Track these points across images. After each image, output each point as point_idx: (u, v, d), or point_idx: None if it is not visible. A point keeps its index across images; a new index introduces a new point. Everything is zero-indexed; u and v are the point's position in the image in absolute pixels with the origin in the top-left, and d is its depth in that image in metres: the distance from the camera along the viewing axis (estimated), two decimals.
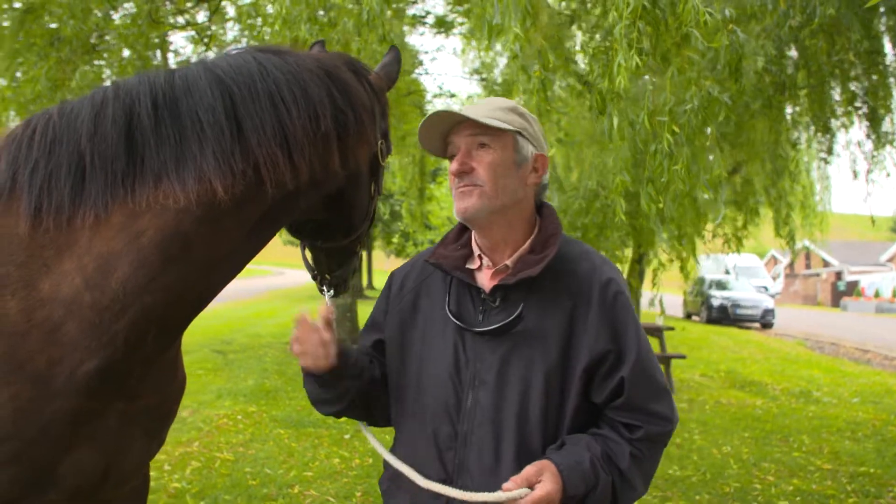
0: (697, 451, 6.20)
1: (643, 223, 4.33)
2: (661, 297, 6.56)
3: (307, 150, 1.69)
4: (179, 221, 1.58)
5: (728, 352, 14.01)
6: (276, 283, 38.51)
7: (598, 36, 3.48)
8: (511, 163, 1.58)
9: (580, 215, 7.09)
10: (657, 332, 9.48)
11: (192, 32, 7.84)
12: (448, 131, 1.62)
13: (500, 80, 9.61)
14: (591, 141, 7.83)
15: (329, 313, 1.64)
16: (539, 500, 1.39)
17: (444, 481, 1.55)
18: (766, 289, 28.69)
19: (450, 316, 1.62)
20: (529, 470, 1.42)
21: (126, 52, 5.90)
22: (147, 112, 1.60)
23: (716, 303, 21.98)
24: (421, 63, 16.04)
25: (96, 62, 6.06)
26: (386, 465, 1.71)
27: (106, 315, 1.58)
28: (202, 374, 9.13)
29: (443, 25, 13.78)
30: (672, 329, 10.02)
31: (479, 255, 1.67)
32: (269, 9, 5.56)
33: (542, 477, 1.41)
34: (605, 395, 1.54)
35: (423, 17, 15.29)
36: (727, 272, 26.97)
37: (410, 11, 14.19)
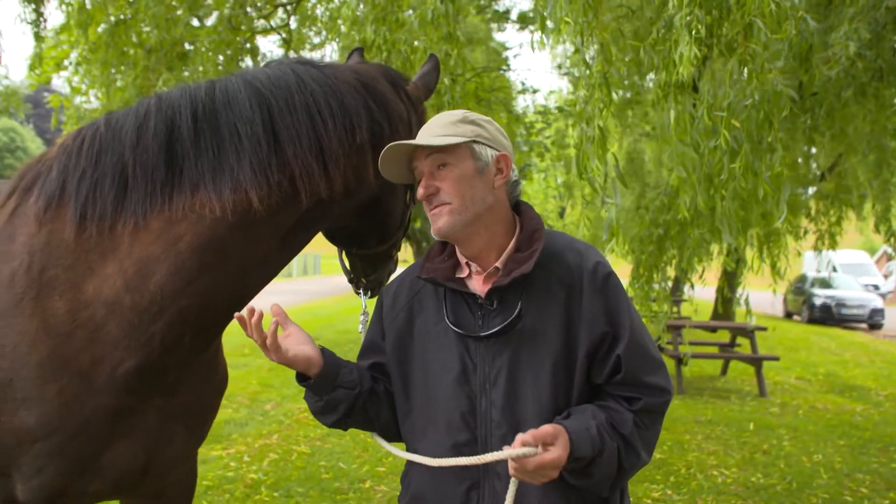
0: (785, 459, 5.90)
1: (704, 224, 4.13)
2: (747, 296, 6.25)
3: (342, 162, 1.73)
4: (215, 229, 1.64)
5: (829, 354, 13.23)
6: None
7: (658, 26, 3.33)
8: (472, 172, 1.59)
9: (662, 212, 6.85)
10: (748, 333, 9.08)
11: (278, 36, 8.08)
12: (410, 158, 1.64)
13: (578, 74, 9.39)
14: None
15: (276, 311, 1.64)
16: (548, 464, 1.40)
17: (473, 487, 1.58)
18: (875, 287, 26.94)
19: (450, 326, 1.63)
20: (547, 429, 1.43)
21: (219, 58, 6.17)
22: (187, 124, 1.67)
23: (818, 302, 20.79)
24: (506, 60, 16.00)
25: (184, 70, 6.35)
26: (402, 484, 1.73)
27: (144, 317, 1.65)
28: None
29: (525, 21, 13.68)
30: (764, 329, 9.57)
31: (467, 263, 1.68)
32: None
33: (557, 442, 1.42)
34: (605, 374, 1.57)
35: (507, 13, 15.22)
36: (834, 269, 25.48)
37: (496, 7, 14.19)
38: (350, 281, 2.21)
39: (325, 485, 4.92)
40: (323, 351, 1.66)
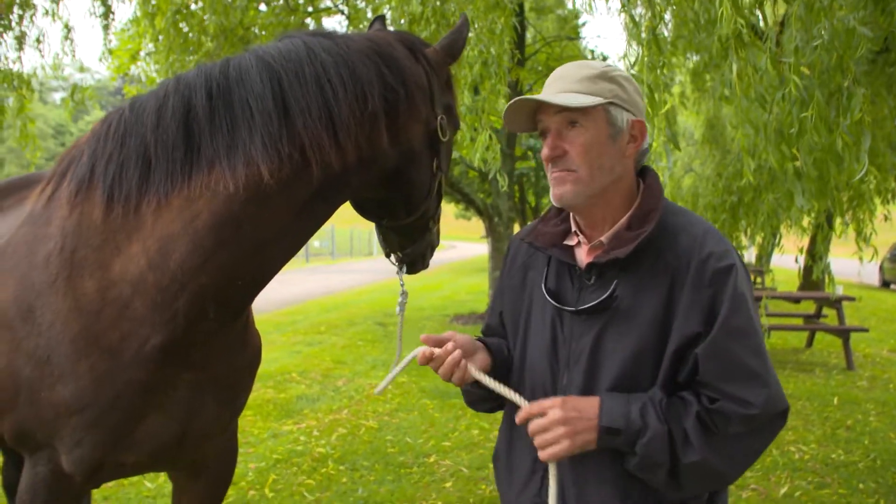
0: (870, 435, 5.59)
1: (779, 188, 3.84)
2: (828, 265, 5.91)
3: (353, 130, 1.70)
4: (229, 205, 1.64)
5: None
6: (446, 256, 39.48)
7: None
8: (605, 139, 1.47)
9: (735, 178, 6.53)
10: (834, 303, 8.63)
11: (339, 15, 8.10)
12: (535, 110, 1.54)
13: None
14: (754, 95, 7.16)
15: (429, 351, 1.57)
16: (547, 424, 1.41)
17: (539, 461, 1.53)
18: None
19: (545, 294, 1.59)
20: (546, 400, 1.45)
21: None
22: (202, 103, 1.68)
23: None
24: (576, 28, 15.61)
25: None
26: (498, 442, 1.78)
27: (167, 294, 1.68)
28: (361, 346, 9.60)
29: None
30: (853, 299, 9.06)
31: (575, 232, 1.61)
32: None
33: (556, 405, 1.43)
34: (684, 374, 1.43)
35: None
36: None
37: None
38: (387, 255, 2.18)
39: (389, 459, 4.98)
40: (487, 347, 1.68)
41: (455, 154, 8.29)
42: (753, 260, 10.94)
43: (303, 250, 34.79)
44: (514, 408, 1.59)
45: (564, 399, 1.44)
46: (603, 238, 1.53)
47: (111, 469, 1.85)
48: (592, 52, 15.03)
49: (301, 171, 1.67)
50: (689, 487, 1.42)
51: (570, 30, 15.22)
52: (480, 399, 1.71)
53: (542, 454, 1.44)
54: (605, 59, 13.22)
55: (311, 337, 10.33)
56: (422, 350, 1.55)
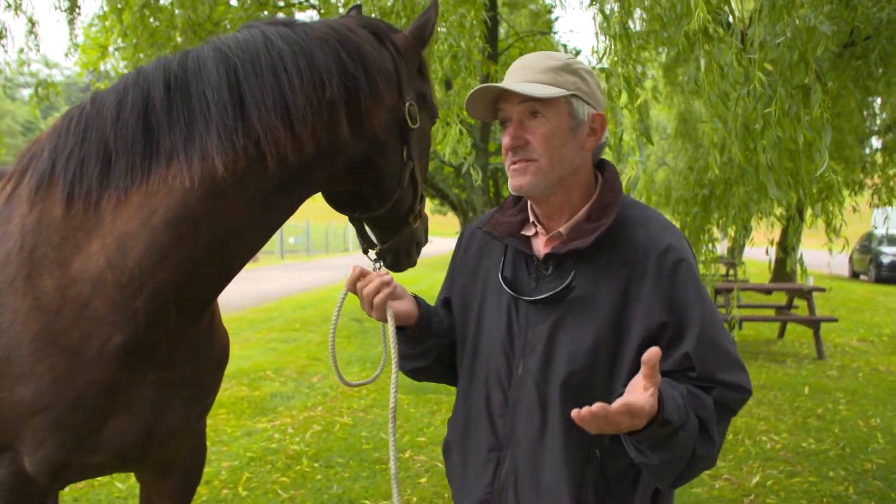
0: (840, 424, 5.68)
1: (750, 181, 3.87)
2: (801, 256, 5.98)
3: (310, 120, 1.67)
4: (186, 200, 1.61)
5: None
6: (422, 251, 39.22)
7: None
8: (566, 130, 1.49)
9: (706, 172, 6.59)
10: (804, 294, 8.75)
11: (311, 10, 8.03)
12: (498, 98, 1.54)
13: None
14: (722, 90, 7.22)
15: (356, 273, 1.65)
16: (636, 410, 1.21)
17: (494, 448, 1.57)
18: None
19: (502, 283, 1.60)
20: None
21: None
22: (160, 95, 1.65)
23: (886, 260, 19.92)
24: (549, 23, 15.64)
25: None
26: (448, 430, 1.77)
27: (126, 292, 1.65)
28: (336, 343, 9.53)
29: None
30: (823, 290, 9.21)
31: (534, 222, 1.61)
32: None
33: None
34: (672, 367, 1.43)
35: None
36: None
37: None
38: (364, 251, 2.13)
39: (364, 455, 4.97)
40: (416, 300, 1.68)
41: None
42: (725, 252, 11.07)
43: (277, 247, 34.71)
44: (469, 394, 1.62)
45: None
46: (562, 229, 1.54)
47: (75, 470, 1.81)
48: (565, 46, 15.10)
49: (257, 164, 1.64)
50: (688, 477, 1.42)
51: (542, 24, 15.26)
52: (411, 357, 1.72)
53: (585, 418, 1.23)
54: (577, 53, 13.26)
55: (286, 334, 10.26)
56: (356, 267, 1.62)
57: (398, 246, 2.08)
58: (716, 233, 7.24)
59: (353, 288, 1.62)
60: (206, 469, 4.68)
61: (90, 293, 1.66)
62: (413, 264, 2.18)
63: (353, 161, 1.83)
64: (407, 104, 1.87)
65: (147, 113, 1.65)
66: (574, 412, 1.20)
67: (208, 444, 5.22)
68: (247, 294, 15.60)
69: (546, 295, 1.50)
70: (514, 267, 1.61)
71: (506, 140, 1.51)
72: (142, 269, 1.63)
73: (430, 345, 1.69)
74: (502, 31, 13.36)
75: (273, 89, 1.64)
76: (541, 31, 13.66)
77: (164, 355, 1.78)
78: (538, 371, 1.51)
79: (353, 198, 1.99)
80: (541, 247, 1.59)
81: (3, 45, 5.48)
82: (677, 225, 7.39)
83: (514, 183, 1.52)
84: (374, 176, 1.91)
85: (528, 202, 1.63)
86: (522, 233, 1.62)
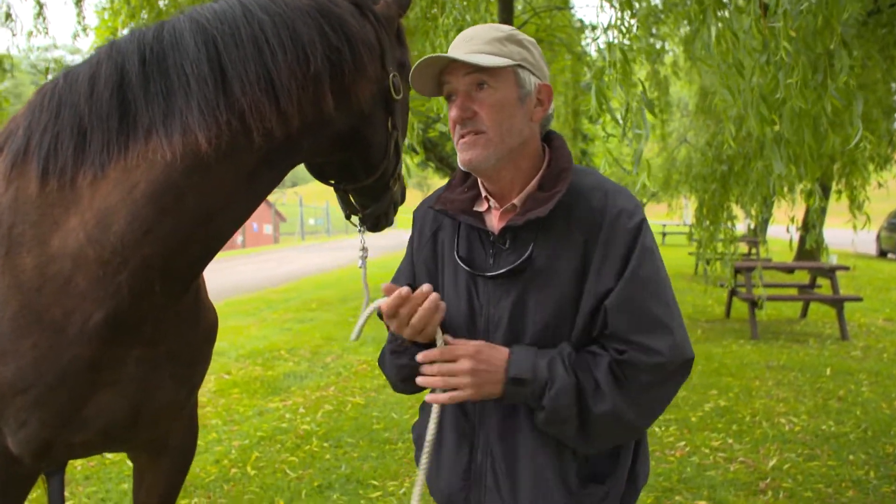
0: (862, 406, 5.54)
1: (771, 155, 3.72)
2: (821, 233, 5.82)
3: (295, 94, 1.62)
4: (168, 174, 1.57)
5: None
6: None
7: None
8: (514, 100, 1.46)
9: (724, 148, 6.42)
10: (827, 273, 8.56)
11: None
12: (442, 70, 1.49)
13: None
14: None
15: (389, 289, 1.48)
16: (459, 357, 1.41)
17: (466, 434, 1.54)
18: None
19: (459, 262, 1.54)
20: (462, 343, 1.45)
21: None
22: (135, 69, 1.60)
23: None
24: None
25: None
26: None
27: (108, 268, 1.61)
28: (352, 322, 9.55)
29: None
30: (847, 269, 9.01)
31: (486, 197, 1.56)
32: None
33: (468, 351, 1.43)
34: (597, 329, 1.43)
35: None
36: None
37: None
38: (347, 217, 2.12)
39: (374, 435, 4.94)
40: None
41: (436, 116, 8.15)
42: (747, 230, 10.87)
43: (298, 228, 34.79)
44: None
45: (479, 349, 1.43)
46: (515, 200, 1.50)
47: (60, 449, 1.79)
48: (582, 21, 14.82)
49: (242, 138, 1.59)
50: (598, 440, 1.43)
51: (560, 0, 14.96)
52: (400, 350, 1.58)
53: (439, 396, 1.44)
54: (593, 28, 12.99)
55: (303, 314, 10.28)
56: (384, 301, 1.46)
57: (380, 211, 2.09)
58: (735, 210, 7.09)
59: (393, 314, 1.46)
60: (217, 448, 4.70)
61: (71, 270, 1.62)
62: (391, 223, 2.20)
63: (340, 133, 1.80)
64: (391, 75, 1.85)
65: (123, 87, 1.60)
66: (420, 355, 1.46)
67: (220, 423, 5.25)
68: (267, 275, 15.69)
69: (506, 269, 1.46)
70: (468, 244, 1.56)
71: (453, 112, 1.47)
72: (124, 244, 1.59)
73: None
74: (519, 6, 13.13)
75: (256, 62, 1.59)
76: (557, 7, 13.39)
77: (150, 331, 1.75)
78: (504, 346, 1.46)
79: (339, 168, 1.97)
80: (494, 221, 1.54)
81: (10, 29, 5.45)
82: (695, 203, 7.24)
83: (463, 157, 1.47)
84: (362, 147, 1.89)
85: (478, 179, 1.59)
86: (475, 209, 1.57)
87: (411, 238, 1.74)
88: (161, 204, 1.57)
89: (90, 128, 1.60)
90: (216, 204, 1.65)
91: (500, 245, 1.50)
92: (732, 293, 9.37)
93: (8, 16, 5.34)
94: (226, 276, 15.81)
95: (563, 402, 1.37)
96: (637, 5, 2.76)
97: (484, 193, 1.57)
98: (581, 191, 1.47)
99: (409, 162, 6.80)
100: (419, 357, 1.46)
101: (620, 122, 2.95)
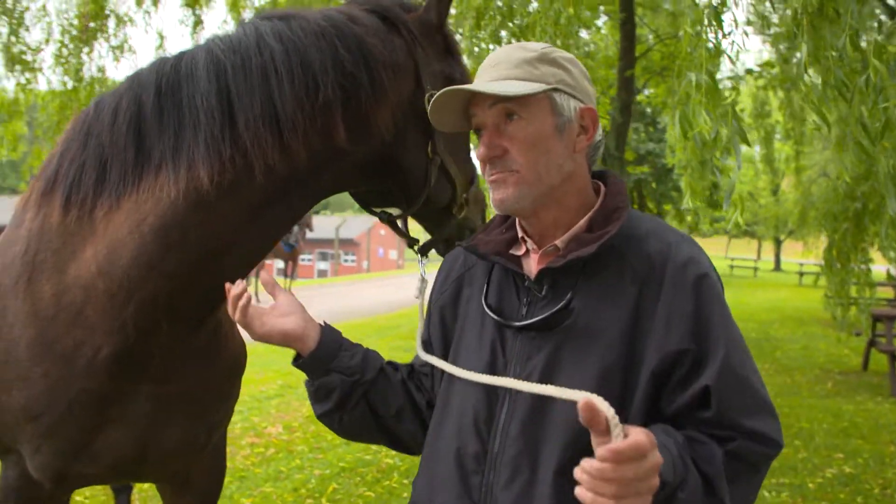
0: None
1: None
2: (868, 273, 4.99)
3: (301, 127, 1.53)
4: (174, 210, 1.54)
5: None
6: None
7: None
8: (551, 131, 1.26)
9: (859, 183, 5.80)
10: (888, 319, 7.54)
11: None
12: (467, 102, 1.32)
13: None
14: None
15: (265, 280, 1.52)
16: (634, 447, 0.93)
17: None
18: None
19: (486, 309, 1.33)
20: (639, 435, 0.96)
21: None
22: (151, 101, 1.58)
23: None
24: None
25: None
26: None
27: (115, 302, 1.61)
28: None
29: None
30: None
31: (523, 238, 1.36)
32: None
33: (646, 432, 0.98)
34: (682, 405, 1.19)
35: None
36: None
37: None
38: (409, 246, 1.98)
39: None
40: (323, 328, 1.45)
41: None
42: (887, 275, 9.85)
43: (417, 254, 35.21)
44: (437, 446, 1.34)
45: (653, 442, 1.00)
46: (558, 242, 1.29)
47: (74, 479, 1.80)
48: (712, 43, 14.14)
49: (244, 175, 1.53)
50: None
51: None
52: (314, 398, 1.46)
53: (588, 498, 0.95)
54: (721, 52, 12.38)
55: (409, 342, 10.30)
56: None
57: (445, 236, 1.95)
58: (871, 252, 6.40)
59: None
60: (297, 476, 4.72)
61: (82, 301, 1.63)
62: (452, 248, 2.01)
63: (367, 162, 1.70)
64: (428, 94, 1.69)
65: (139, 119, 1.59)
66: (577, 470, 0.94)
67: (306, 449, 5.29)
68: (386, 300, 15.98)
69: (540, 318, 1.24)
70: (500, 291, 1.36)
71: (481, 150, 1.28)
72: (129, 278, 1.57)
73: (330, 381, 1.42)
74: (643, 33, 12.75)
75: (262, 93, 1.53)
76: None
77: (159, 368, 1.72)
78: (528, 415, 1.22)
79: (380, 197, 1.87)
80: (533, 266, 1.33)
81: (132, 62, 5.87)
82: (824, 244, 6.60)
83: (495, 198, 1.29)
84: (397, 175, 1.77)
85: (517, 220, 1.38)
86: (511, 252, 1.36)
87: (433, 285, 1.55)
88: (168, 240, 1.54)
89: (111, 158, 1.60)
90: (221, 241, 1.60)
91: (535, 292, 1.29)
92: (871, 344, 8.46)
93: (130, 49, 5.77)
94: (345, 300, 16.25)
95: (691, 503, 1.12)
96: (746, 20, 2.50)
97: (521, 234, 1.36)
98: (638, 234, 1.27)
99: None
100: (605, 454, 0.93)
101: (706, 152, 2.69)
